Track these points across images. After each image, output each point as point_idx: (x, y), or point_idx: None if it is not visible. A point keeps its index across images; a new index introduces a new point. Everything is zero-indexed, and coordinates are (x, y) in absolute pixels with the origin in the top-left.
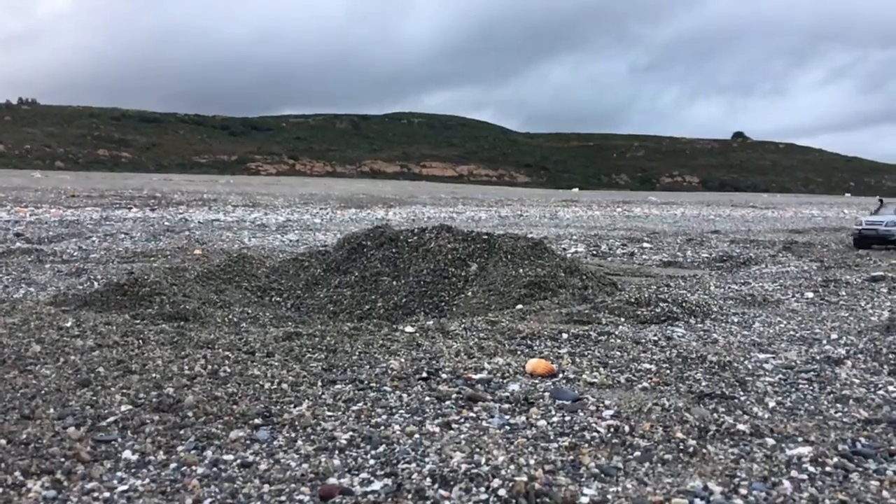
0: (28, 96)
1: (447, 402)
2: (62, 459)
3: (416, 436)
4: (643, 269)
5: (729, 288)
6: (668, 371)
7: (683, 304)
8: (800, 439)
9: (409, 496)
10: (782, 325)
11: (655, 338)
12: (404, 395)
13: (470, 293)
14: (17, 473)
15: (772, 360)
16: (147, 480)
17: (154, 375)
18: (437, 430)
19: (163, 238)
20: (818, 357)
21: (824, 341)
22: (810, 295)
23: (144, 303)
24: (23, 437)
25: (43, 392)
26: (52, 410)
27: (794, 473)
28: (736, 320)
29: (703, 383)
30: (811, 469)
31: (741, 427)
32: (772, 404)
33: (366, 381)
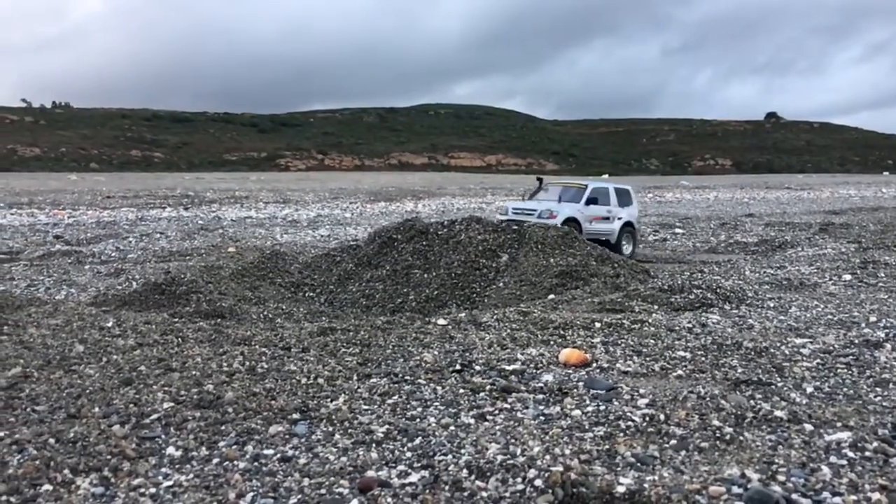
0: (62, 100)
1: (481, 394)
2: (109, 457)
3: (452, 428)
4: (676, 255)
5: (764, 272)
6: (703, 358)
7: (718, 290)
8: (838, 424)
9: (447, 488)
10: (820, 309)
11: (690, 325)
12: (439, 388)
13: (501, 284)
14: (66, 471)
15: (809, 345)
16: (191, 476)
17: (194, 373)
18: (472, 421)
19: (197, 236)
20: (857, 341)
21: (863, 324)
22: (848, 277)
23: (182, 301)
24: (70, 436)
25: (88, 391)
26: (97, 409)
27: (833, 459)
28: (772, 305)
29: (740, 370)
30: (850, 454)
31: (779, 413)
32: (810, 390)
33: (400, 375)
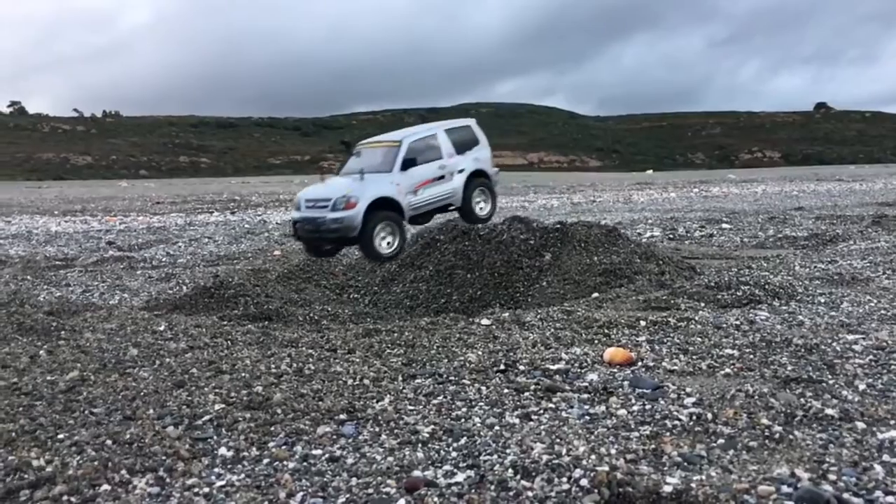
0: (112, 109)
1: (526, 394)
2: (163, 457)
3: (497, 428)
4: (723, 251)
5: (815, 267)
6: (751, 356)
7: (766, 286)
8: (892, 422)
9: (492, 487)
10: (872, 304)
11: (737, 322)
12: (483, 388)
13: (545, 283)
14: (123, 472)
15: (861, 342)
16: (242, 476)
17: (243, 375)
18: (516, 421)
19: (244, 240)
20: None
21: None
22: None
23: (230, 304)
24: (126, 437)
25: (142, 394)
26: (151, 411)
27: (886, 458)
28: (823, 301)
29: (789, 367)
30: None
31: (830, 411)
32: (862, 387)
33: (445, 375)
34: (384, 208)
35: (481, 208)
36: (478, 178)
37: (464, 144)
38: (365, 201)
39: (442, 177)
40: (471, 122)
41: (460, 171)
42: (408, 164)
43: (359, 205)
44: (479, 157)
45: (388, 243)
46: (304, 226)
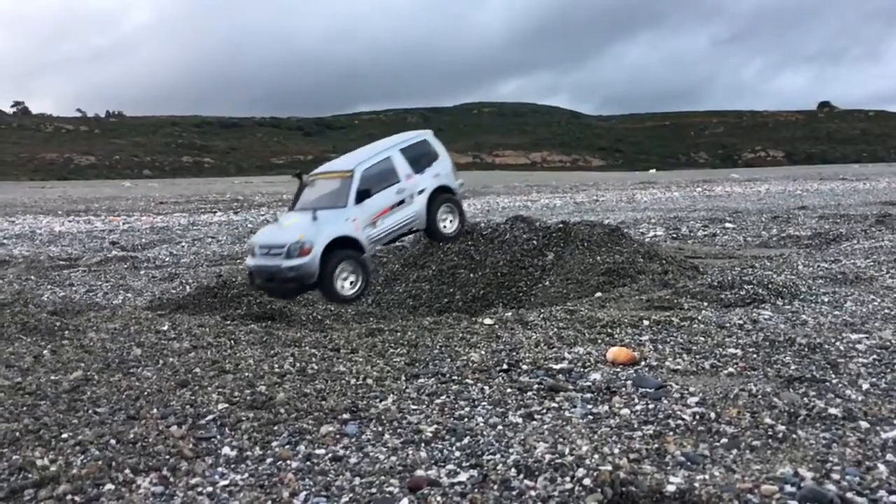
0: (115, 109)
1: (529, 393)
2: (167, 457)
3: (500, 427)
4: (726, 251)
5: (818, 266)
6: (754, 355)
7: (770, 286)
8: (895, 421)
9: (495, 487)
10: (876, 304)
11: (741, 321)
12: (486, 388)
13: (547, 283)
14: (127, 471)
15: (865, 341)
16: (246, 475)
17: (247, 374)
18: (519, 421)
19: (247, 240)
20: None
21: None
22: None
23: (233, 304)
24: (130, 437)
25: (146, 393)
26: (155, 410)
27: (889, 457)
28: (826, 300)
29: (793, 367)
30: None
31: (833, 411)
32: (865, 386)
33: (448, 375)
34: (342, 247)
35: (445, 227)
36: (441, 195)
37: (421, 161)
38: (320, 246)
39: (402, 201)
40: (427, 134)
41: (420, 192)
42: (362, 195)
43: (314, 250)
44: (440, 172)
45: (351, 283)
46: (261, 274)
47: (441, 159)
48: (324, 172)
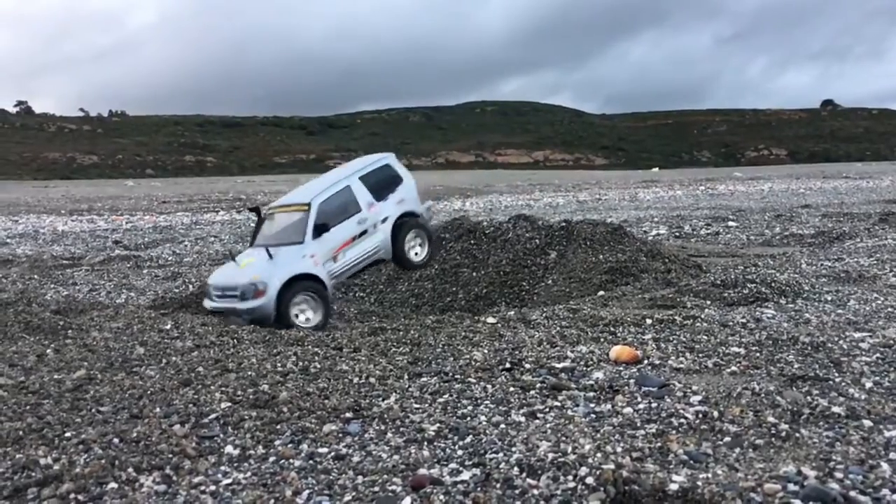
0: (118, 108)
1: (531, 392)
2: (170, 455)
3: (502, 426)
4: (729, 249)
5: (821, 265)
6: (757, 354)
7: (773, 284)
8: None
9: (498, 485)
10: (879, 302)
11: (744, 320)
12: (489, 386)
13: (550, 281)
14: (130, 470)
15: (868, 339)
16: (249, 474)
17: (249, 373)
18: (522, 419)
19: (250, 239)
20: None
21: None
22: None
23: None
24: (133, 436)
25: (149, 392)
26: (158, 409)
27: (892, 456)
28: (829, 298)
29: (796, 365)
30: None
31: (836, 409)
32: (869, 385)
33: (450, 373)
34: (301, 280)
35: (416, 253)
36: (407, 222)
37: (384, 187)
38: (274, 288)
39: (364, 231)
40: (389, 157)
41: (384, 221)
42: (321, 229)
43: (268, 292)
44: (404, 197)
45: (307, 319)
46: (220, 316)
47: (405, 183)
48: (281, 206)
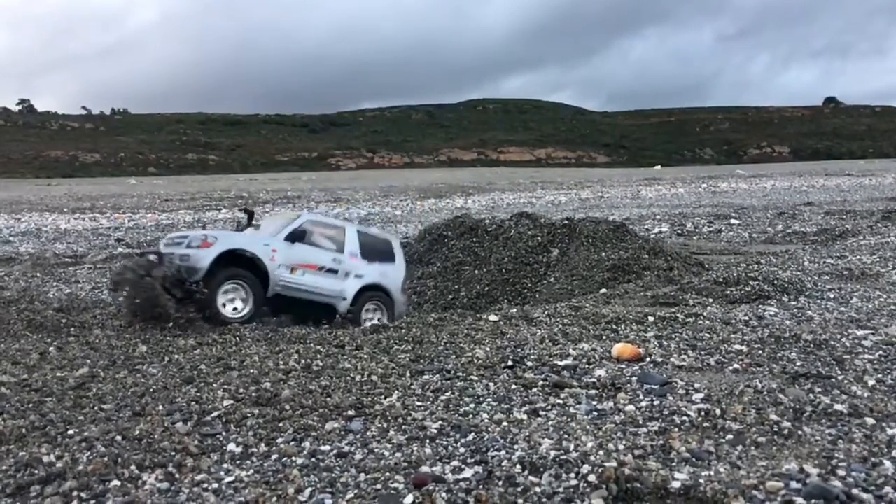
0: (120, 106)
1: (534, 390)
2: (173, 453)
3: (504, 424)
4: (731, 247)
5: (824, 262)
6: (760, 352)
7: (775, 282)
8: None
9: (500, 483)
10: (882, 300)
11: (746, 318)
12: (491, 384)
13: (552, 279)
14: (132, 467)
15: (871, 337)
16: (251, 471)
17: (252, 371)
18: (524, 417)
19: None
20: None
21: None
22: None
23: None
24: (136, 433)
25: (151, 390)
26: (160, 407)
27: (895, 453)
28: (832, 296)
29: (798, 363)
30: None
31: (839, 407)
32: (871, 382)
33: (452, 371)
34: (246, 261)
35: (369, 318)
36: (378, 294)
37: (374, 254)
38: (218, 247)
39: (334, 272)
40: (393, 239)
41: (357, 277)
42: (295, 237)
43: (213, 248)
44: (389, 274)
45: (235, 309)
46: (165, 261)
47: (396, 266)
48: (275, 214)
